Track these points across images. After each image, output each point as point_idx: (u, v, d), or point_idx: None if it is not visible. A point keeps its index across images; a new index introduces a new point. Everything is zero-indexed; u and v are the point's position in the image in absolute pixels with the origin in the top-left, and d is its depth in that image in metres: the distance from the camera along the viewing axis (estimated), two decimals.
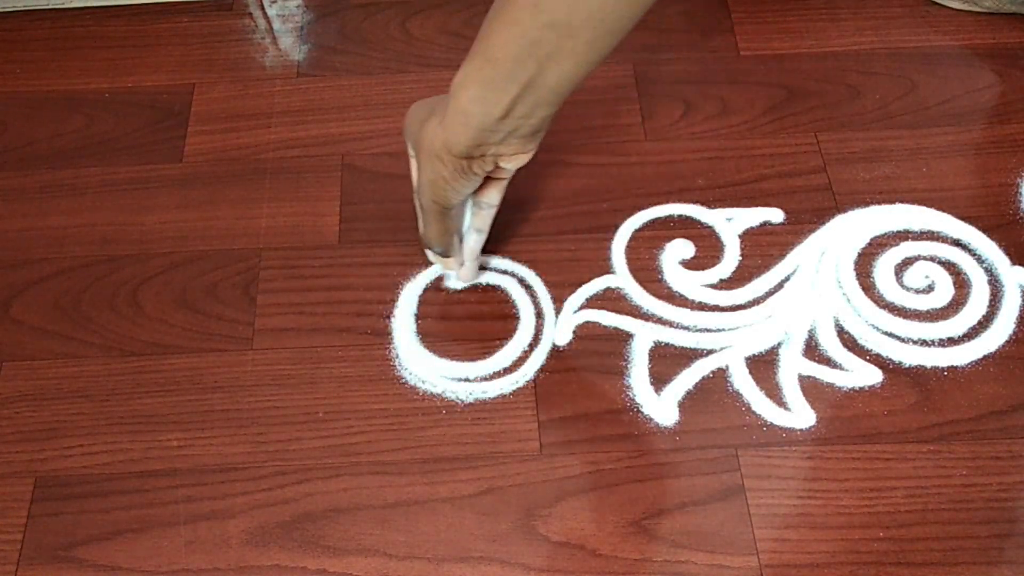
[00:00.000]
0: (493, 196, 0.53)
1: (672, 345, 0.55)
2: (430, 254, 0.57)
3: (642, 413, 0.53)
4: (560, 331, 0.56)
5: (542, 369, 0.54)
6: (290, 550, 0.49)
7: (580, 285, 0.57)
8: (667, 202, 0.61)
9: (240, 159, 0.64)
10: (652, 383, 0.53)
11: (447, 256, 0.54)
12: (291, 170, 0.64)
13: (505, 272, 0.58)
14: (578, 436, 0.52)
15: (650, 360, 0.54)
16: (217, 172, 0.64)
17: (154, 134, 0.66)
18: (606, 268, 0.58)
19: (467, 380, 0.54)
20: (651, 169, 0.62)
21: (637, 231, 0.60)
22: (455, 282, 0.57)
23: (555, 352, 0.55)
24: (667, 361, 0.54)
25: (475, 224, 0.54)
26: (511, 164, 0.48)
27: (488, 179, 0.51)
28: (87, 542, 0.50)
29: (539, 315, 0.56)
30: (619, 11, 0.42)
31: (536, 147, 0.48)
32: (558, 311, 0.56)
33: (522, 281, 0.58)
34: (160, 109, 0.67)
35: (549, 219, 0.61)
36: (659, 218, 0.60)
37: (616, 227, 0.60)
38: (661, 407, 0.53)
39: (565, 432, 0.52)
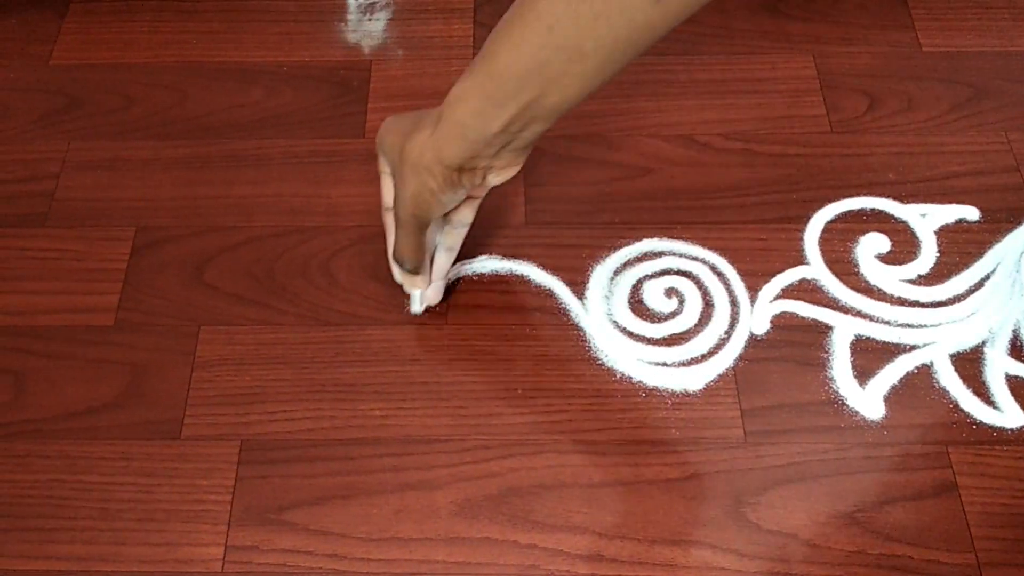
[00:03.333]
0: (467, 215, 0.53)
1: (873, 339, 0.54)
2: (396, 273, 0.55)
3: (847, 406, 0.52)
4: (757, 320, 0.55)
5: (741, 357, 0.54)
6: (500, 523, 0.49)
7: (774, 275, 0.57)
8: (857, 195, 0.60)
9: None
10: (855, 376, 0.53)
11: (416, 274, 0.53)
12: None
13: (696, 259, 0.58)
14: (783, 426, 0.52)
15: (851, 353, 0.54)
16: None
17: (334, 109, 0.67)
18: (799, 259, 0.58)
19: (664, 365, 0.54)
20: (838, 161, 0.62)
21: (829, 223, 0.59)
22: (418, 306, 0.55)
23: (752, 341, 0.55)
24: (869, 355, 0.54)
25: (446, 243, 0.54)
26: (499, 178, 0.48)
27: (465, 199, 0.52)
28: (297, 506, 0.50)
29: (733, 303, 0.56)
30: (632, 40, 0.41)
31: (524, 161, 0.48)
32: (753, 300, 0.56)
33: (714, 268, 0.58)
34: (338, 84, 0.68)
35: (737, 207, 0.60)
36: (851, 211, 0.60)
37: (807, 218, 0.59)
38: (866, 401, 0.52)
39: (769, 421, 0.52)
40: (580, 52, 0.41)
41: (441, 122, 0.45)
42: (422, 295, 0.55)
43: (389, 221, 0.53)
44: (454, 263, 0.56)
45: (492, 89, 0.43)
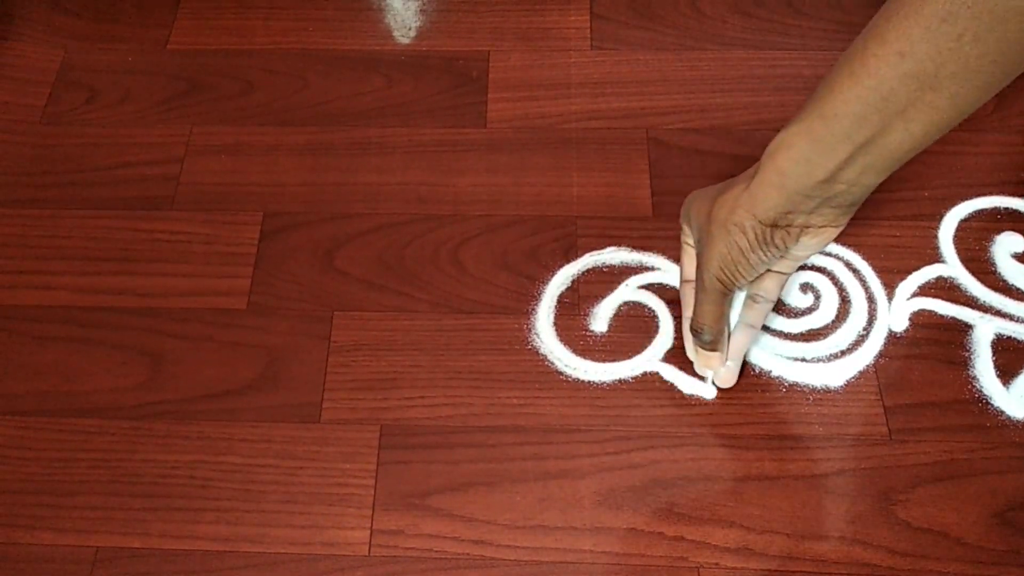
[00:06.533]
0: (772, 289, 0.50)
1: (1015, 339, 0.54)
2: (689, 349, 0.52)
3: (992, 405, 0.52)
4: (895, 317, 0.55)
5: (881, 355, 0.54)
6: (644, 515, 0.49)
7: (909, 272, 0.57)
8: (990, 194, 0.60)
9: (544, 128, 0.65)
10: (999, 376, 0.52)
11: (714, 349, 0.50)
12: (596, 141, 0.64)
13: (829, 254, 0.58)
14: (927, 424, 0.51)
15: (993, 352, 0.53)
16: (522, 139, 0.64)
17: (454, 98, 0.67)
18: (935, 256, 0.57)
19: (804, 360, 0.54)
20: (969, 160, 0.61)
21: (963, 221, 0.59)
22: (711, 387, 0.53)
23: (892, 338, 0.54)
24: (1012, 355, 0.53)
25: (748, 319, 0.51)
26: (814, 240, 0.45)
27: (768, 271, 0.49)
28: (440, 491, 0.50)
29: (870, 300, 0.56)
30: (1003, 63, 0.35)
31: (845, 224, 0.45)
32: (890, 297, 0.56)
33: (848, 264, 0.57)
34: (457, 74, 0.68)
35: (868, 203, 0.58)
36: (985, 209, 0.59)
37: (941, 215, 0.59)
38: (1011, 400, 0.52)
39: (913, 419, 0.52)
40: (935, 79, 0.36)
41: (759, 172, 0.42)
42: (715, 375, 0.52)
43: (688, 293, 0.51)
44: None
45: (822, 131, 0.39)
